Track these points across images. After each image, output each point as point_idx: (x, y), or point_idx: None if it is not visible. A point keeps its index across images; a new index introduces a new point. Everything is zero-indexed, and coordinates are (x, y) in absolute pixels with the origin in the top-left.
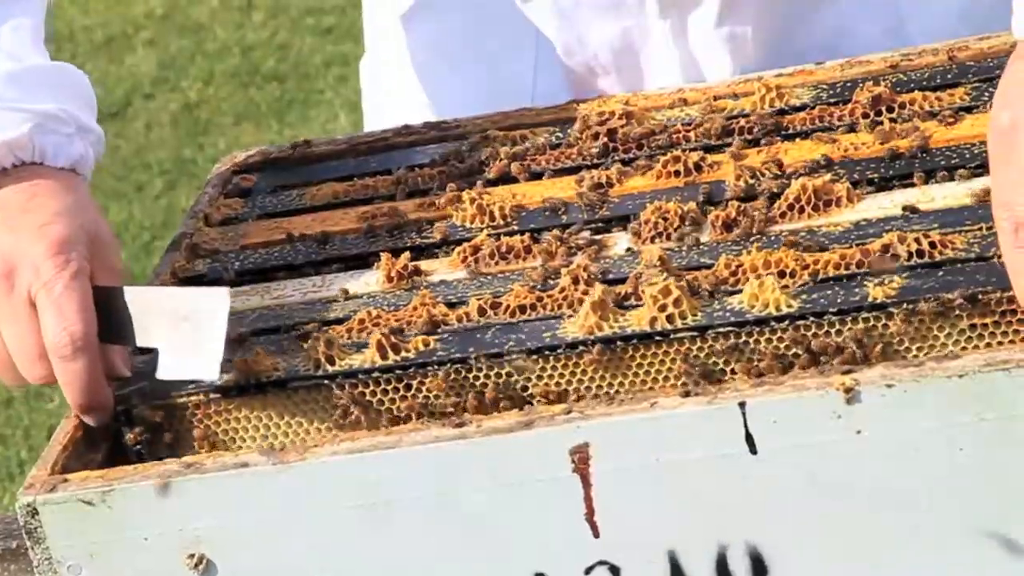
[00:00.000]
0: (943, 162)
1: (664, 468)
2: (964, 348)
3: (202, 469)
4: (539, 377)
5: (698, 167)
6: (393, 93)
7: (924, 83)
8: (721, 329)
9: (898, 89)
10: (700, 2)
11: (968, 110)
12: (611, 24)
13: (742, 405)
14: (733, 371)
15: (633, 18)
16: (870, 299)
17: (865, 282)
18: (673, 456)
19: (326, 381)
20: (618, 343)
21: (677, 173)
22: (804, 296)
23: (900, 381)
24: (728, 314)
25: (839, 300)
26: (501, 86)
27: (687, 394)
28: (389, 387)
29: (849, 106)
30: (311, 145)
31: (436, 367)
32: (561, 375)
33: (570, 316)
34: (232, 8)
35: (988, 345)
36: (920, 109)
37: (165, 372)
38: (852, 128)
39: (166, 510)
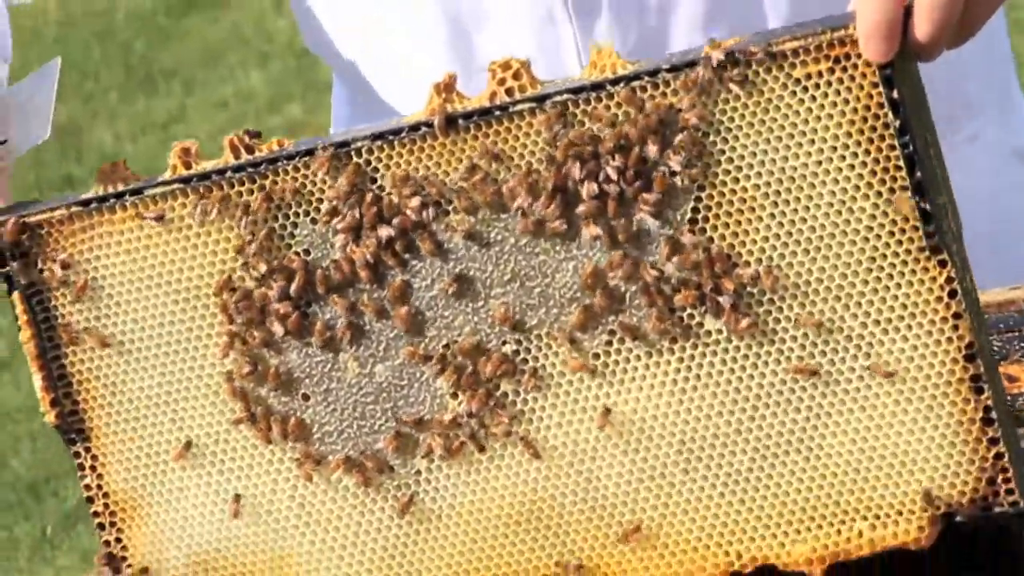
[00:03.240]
0: None
1: None
2: (801, 100)
3: None
4: (387, 165)
5: None
6: None
7: None
8: (558, 97)
9: None
10: None
11: None
12: None
13: None
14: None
15: None
16: (703, 54)
17: (703, 46)
18: None
19: (181, 184)
20: (459, 120)
21: None
22: (643, 61)
23: None
24: (566, 83)
25: (674, 59)
26: None
27: None
28: (243, 187)
29: None
30: None
31: (285, 161)
32: (407, 161)
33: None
34: None
35: (825, 95)
36: None
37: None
38: None
39: None
